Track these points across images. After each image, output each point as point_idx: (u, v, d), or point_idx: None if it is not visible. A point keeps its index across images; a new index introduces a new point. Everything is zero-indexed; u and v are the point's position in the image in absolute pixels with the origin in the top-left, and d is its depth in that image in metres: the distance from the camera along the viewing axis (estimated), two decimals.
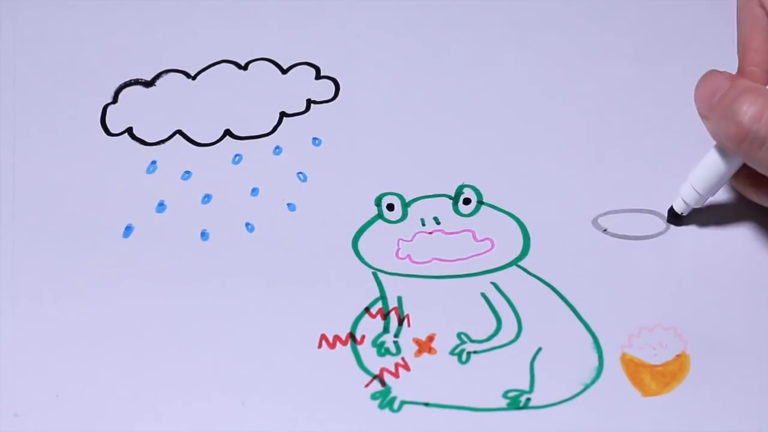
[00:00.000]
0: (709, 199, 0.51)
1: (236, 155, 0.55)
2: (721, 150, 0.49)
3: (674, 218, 0.52)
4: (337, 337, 0.48)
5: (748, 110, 0.46)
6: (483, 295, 0.49)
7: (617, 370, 0.47)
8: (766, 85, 0.48)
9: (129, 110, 0.57)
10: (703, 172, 0.50)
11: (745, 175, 0.49)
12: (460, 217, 0.53)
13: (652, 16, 0.61)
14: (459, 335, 0.48)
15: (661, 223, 0.52)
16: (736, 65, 0.50)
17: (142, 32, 0.61)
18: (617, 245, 0.51)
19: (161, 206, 0.53)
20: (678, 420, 0.45)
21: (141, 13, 0.62)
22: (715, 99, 0.47)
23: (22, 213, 0.53)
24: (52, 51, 0.60)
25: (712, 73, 0.48)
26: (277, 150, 0.56)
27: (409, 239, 0.52)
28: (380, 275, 0.50)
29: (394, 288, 0.50)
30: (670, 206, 0.52)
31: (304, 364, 0.47)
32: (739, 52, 0.50)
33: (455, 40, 0.60)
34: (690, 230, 0.52)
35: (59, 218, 0.53)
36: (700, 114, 0.48)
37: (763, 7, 0.48)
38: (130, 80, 0.59)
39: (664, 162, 0.54)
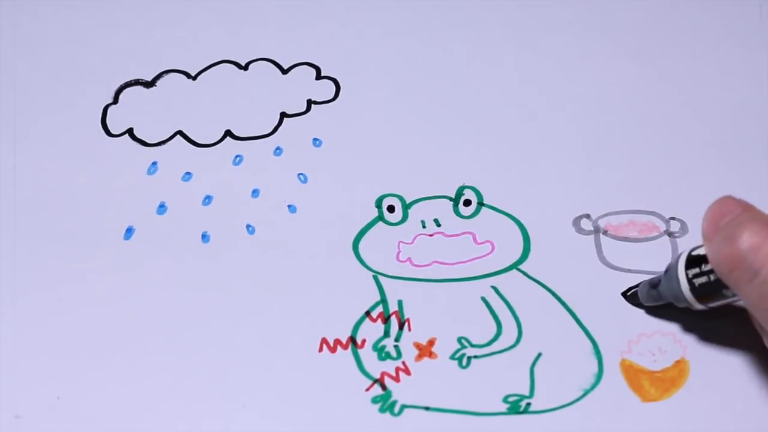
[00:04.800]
0: None
1: (237, 156, 0.55)
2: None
3: (630, 299, 0.49)
4: (337, 341, 0.48)
5: (749, 238, 0.43)
6: (483, 299, 0.49)
7: (617, 375, 0.47)
8: None
9: (129, 111, 0.57)
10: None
11: None
12: (460, 219, 0.53)
13: (652, 16, 0.61)
14: (459, 340, 0.48)
15: (662, 225, 0.52)
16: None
17: (142, 32, 0.61)
18: (617, 248, 0.51)
19: (162, 208, 0.53)
20: (677, 425, 0.46)
21: (141, 13, 0.62)
22: (722, 222, 0.44)
23: (22, 214, 0.53)
24: (52, 51, 0.60)
25: (727, 198, 0.45)
26: (278, 151, 0.56)
27: (410, 241, 0.52)
28: (381, 278, 0.50)
29: (394, 291, 0.50)
30: (627, 288, 0.49)
31: (305, 367, 0.48)
32: None
33: (455, 41, 0.60)
34: (689, 236, 0.51)
35: (60, 219, 0.53)
36: (703, 235, 0.45)
37: None
38: (131, 80, 0.59)
39: (664, 163, 0.54)
